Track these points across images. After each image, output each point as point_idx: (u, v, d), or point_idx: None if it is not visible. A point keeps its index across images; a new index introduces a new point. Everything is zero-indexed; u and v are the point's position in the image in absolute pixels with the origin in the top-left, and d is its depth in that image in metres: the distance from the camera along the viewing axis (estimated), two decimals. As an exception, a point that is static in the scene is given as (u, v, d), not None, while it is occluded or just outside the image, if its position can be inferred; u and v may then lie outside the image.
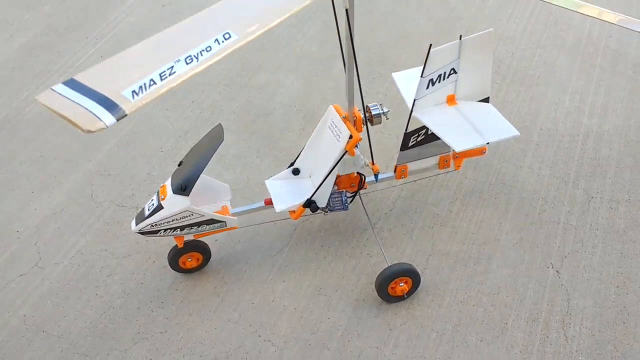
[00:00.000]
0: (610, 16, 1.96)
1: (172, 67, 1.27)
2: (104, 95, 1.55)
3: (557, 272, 2.91)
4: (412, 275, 2.75)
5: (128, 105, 1.52)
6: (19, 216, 3.33)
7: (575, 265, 2.93)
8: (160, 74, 1.25)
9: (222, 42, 1.30)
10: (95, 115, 1.55)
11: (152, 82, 1.24)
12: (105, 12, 4.75)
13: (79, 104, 1.57)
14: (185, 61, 1.25)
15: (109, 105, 1.59)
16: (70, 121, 1.52)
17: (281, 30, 4.44)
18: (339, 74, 4.02)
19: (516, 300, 2.82)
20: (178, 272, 2.98)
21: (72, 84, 1.67)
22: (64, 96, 1.61)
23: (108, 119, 1.56)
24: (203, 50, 1.29)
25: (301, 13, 4.56)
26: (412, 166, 2.98)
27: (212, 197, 2.84)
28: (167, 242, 3.08)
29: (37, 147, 3.73)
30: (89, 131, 1.51)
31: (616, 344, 2.65)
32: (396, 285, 2.75)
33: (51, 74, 4.22)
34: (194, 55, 1.28)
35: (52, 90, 1.63)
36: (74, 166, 3.60)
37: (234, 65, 4.19)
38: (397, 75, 3.07)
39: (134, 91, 1.32)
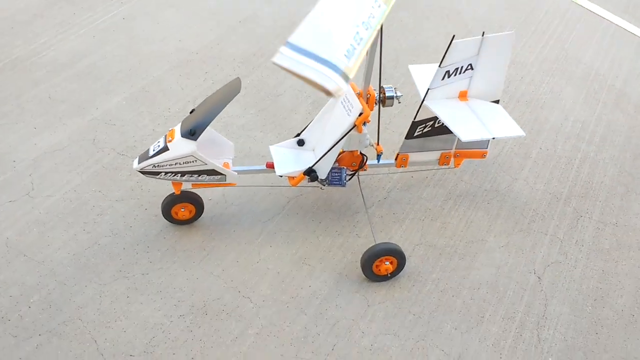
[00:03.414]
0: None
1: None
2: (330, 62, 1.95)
3: (538, 278, 2.95)
4: (399, 256, 2.78)
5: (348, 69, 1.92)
6: (18, 148, 3.34)
7: (557, 274, 2.98)
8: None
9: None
10: (332, 80, 1.88)
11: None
12: (134, -22, 4.85)
13: (314, 69, 1.90)
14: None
15: (337, 69, 1.92)
16: (317, 85, 1.83)
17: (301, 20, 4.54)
18: (353, 69, 4.11)
19: (495, 297, 2.85)
20: (169, 221, 2.99)
21: (296, 48, 2.01)
22: (296, 60, 1.96)
23: (342, 84, 1.87)
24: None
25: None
26: (413, 157, 3.04)
27: (216, 152, 2.87)
28: (162, 193, 3.10)
29: (46, 89, 3.76)
30: (333, 94, 1.84)
31: (586, 352, 2.68)
32: (381, 263, 2.78)
33: (71, 26, 4.28)
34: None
35: (283, 54, 1.94)
36: (81, 111, 3.63)
37: (252, 46, 4.27)
38: (413, 67, 3.16)
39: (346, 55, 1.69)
